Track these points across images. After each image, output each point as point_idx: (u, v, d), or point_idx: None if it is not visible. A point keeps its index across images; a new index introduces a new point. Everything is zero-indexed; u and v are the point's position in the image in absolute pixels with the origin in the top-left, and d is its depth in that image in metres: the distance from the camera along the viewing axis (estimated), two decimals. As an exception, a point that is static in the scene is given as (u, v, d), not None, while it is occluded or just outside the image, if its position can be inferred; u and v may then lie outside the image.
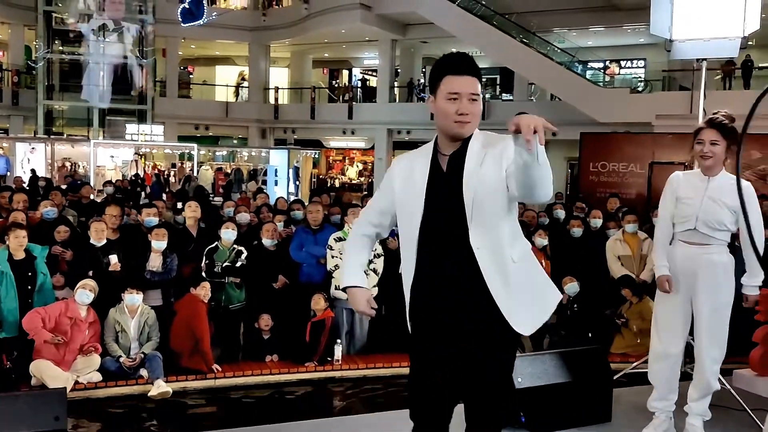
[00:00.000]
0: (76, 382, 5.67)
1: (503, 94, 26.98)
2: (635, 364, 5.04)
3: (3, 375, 5.60)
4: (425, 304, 2.52)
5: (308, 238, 6.89)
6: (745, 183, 3.77)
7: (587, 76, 22.16)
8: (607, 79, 24.59)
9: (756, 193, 3.75)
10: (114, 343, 5.99)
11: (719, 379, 3.85)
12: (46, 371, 5.51)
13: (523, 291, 2.46)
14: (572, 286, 7.17)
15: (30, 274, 5.92)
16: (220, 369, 6.21)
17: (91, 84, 23.37)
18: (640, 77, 25.08)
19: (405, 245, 2.59)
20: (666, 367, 3.81)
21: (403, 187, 2.55)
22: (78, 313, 5.80)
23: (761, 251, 3.64)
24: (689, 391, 3.84)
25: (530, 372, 3.83)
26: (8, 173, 19.17)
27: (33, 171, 18.90)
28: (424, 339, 2.53)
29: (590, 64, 24.29)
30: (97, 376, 5.81)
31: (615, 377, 4.04)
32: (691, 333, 4.09)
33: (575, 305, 7.19)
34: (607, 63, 26.28)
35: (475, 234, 2.39)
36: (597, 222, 8.22)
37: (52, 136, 22.75)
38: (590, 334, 6.91)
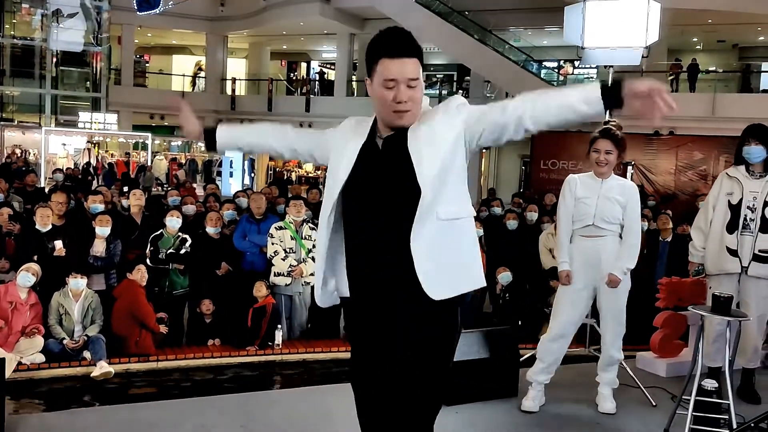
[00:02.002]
0: (20, 363, 5.81)
1: (460, 91, 27.35)
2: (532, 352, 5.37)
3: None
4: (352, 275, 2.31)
5: (251, 228, 7.11)
6: (630, 183, 4.30)
7: (542, 75, 22.64)
8: (561, 78, 25.09)
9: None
10: (58, 326, 6.14)
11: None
12: (-12, 352, 5.64)
13: (444, 254, 2.19)
14: (505, 276, 7.54)
15: (-27, 257, 6.04)
16: (167, 320, 6.55)
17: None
18: (592, 77, 25.68)
19: (324, 209, 2.34)
20: (558, 347, 4.24)
21: (337, 151, 2.35)
22: (18, 296, 5.94)
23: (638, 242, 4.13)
24: (598, 364, 4.35)
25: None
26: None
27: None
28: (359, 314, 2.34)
29: (545, 64, 24.78)
30: (41, 358, 5.95)
31: (522, 358, 4.43)
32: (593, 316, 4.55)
33: (507, 294, 7.56)
34: (562, 63, 26.82)
35: (416, 227, 2.16)
36: (533, 216, 8.63)
37: (2, 123, 22.42)
38: (520, 322, 7.26)
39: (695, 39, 23.43)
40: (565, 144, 18.22)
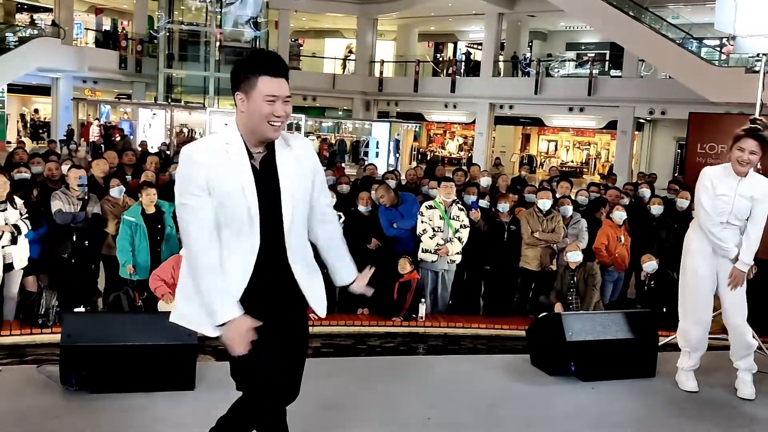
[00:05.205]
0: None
1: (612, 71, 26.44)
2: (672, 336, 5.36)
3: (136, 311, 6.56)
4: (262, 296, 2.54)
5: (395, 214, 7.49)
6: (765, 179, 4.18)
7: (702, 55, 21.37)
8: (723, 57, 23.58)
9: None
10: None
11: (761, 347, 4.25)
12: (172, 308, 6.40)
13: (318, 283, 2.74)
14: (650, 264, 7.49)
15: (159, 226, 6.83)
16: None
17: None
18: (760, 58, 23.92)
19: (240, 235, 2.47)
20: (700, 331, 4.29)
21: (223, 173, 2.41)
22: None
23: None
24: (731, 353, 4.33)
25: (580, 328, 4.33)
26: (131, 137, 20.82)
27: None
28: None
29: (705, 42, 23.38)
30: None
31: (662, 342, 4.50)
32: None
33: (652, 282, 7.51)
34: (724, 41, 25.20)
35: (289, 240, 2.53)
36: (684, 203, 8.41)
37: (171, 103, 24.34)
38: (665, 309, 7.20)
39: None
40: (724, 126, 17.19)
